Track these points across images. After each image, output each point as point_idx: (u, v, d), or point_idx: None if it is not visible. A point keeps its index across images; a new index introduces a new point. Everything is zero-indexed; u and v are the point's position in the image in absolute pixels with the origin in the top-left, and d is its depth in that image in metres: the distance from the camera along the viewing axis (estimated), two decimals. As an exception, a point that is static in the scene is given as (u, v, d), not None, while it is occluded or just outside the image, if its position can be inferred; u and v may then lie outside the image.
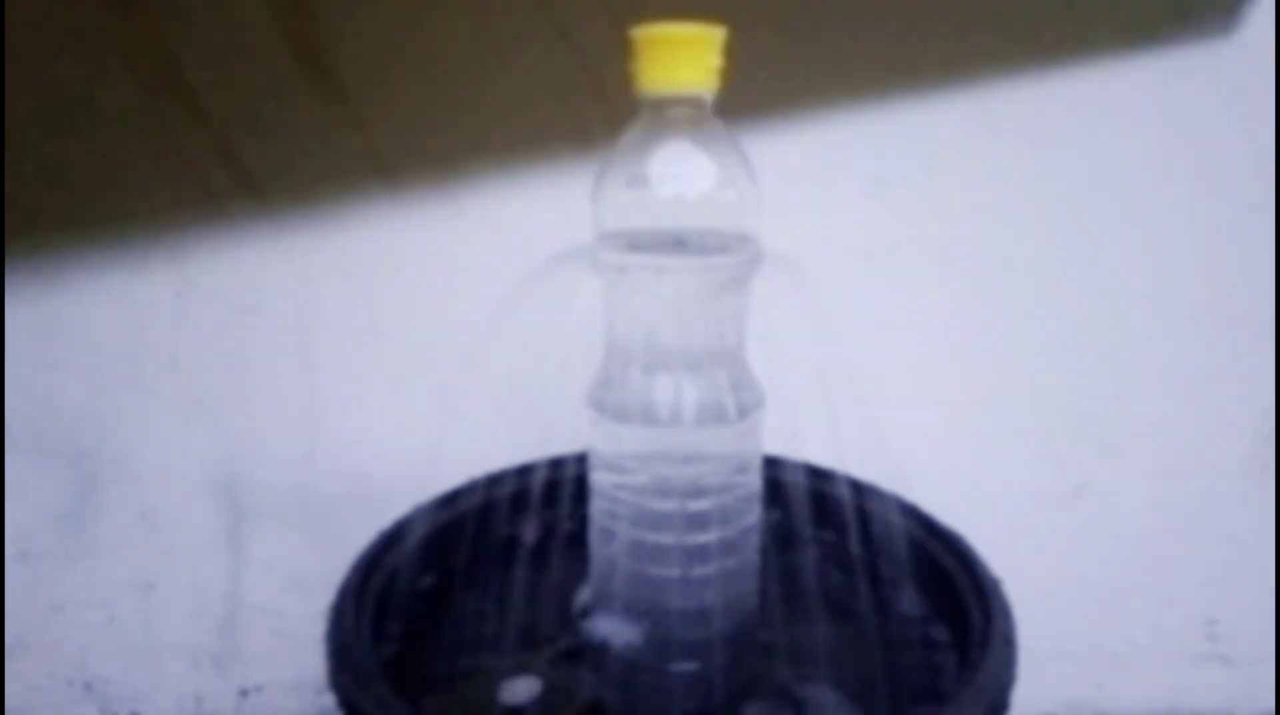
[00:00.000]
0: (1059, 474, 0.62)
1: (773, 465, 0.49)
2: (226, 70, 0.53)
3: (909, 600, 0.44)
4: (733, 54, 0.33)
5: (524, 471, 0.49)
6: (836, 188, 0.56)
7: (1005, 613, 0.38)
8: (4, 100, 0.52)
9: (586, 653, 0.40)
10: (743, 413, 0.36)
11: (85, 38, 0.52)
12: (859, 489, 0.47)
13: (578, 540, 0.43)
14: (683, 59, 0.33)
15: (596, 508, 0.39)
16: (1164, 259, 0.58)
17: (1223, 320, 0.58)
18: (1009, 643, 0.36)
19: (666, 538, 0.37)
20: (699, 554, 0.37)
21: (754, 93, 0.45)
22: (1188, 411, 0.61)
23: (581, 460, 0.41)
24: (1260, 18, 0.54)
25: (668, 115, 0.34)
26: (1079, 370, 0.60)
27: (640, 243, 0.35)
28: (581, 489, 0.41)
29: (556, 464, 0.49)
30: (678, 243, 0.34)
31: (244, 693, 0.66)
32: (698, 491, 0.36)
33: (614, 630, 0.38)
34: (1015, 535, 0.62)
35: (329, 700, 0.34)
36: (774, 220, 0.34)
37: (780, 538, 0.49)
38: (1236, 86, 0.55)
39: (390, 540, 0.43)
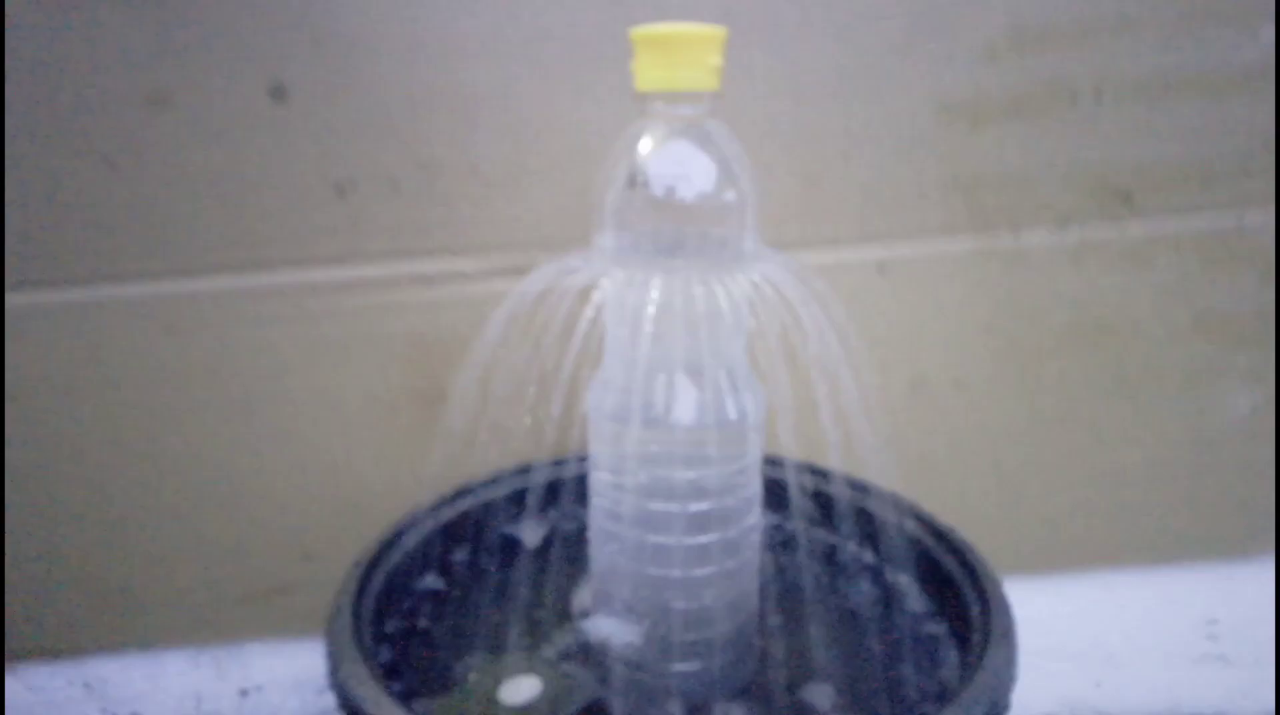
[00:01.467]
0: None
1: (773, 465, 0.49)
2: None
3: (909, 599, 0.44)
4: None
5: (524, 471, 0.49)
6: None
7: (1005, 611, 0.38)
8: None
9: (586, 653, 0.40)
10: (743, 413, 0.36)
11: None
12: (859, 488, 0.47)
13: (578, 540, 0.43)
14: (683, 59, 0.33)
15: (597, 508, 0.39)
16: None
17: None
18: (1009, 642, 0.36)
19: (667, 538, 0.37)
20: (699, 554, 0.37)
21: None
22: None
23: (582, 460, 0.41)
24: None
25: (668, 115, 0.34)
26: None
27: (640, 243, 0.35)
28: (582, 489, 0.41)
29: (557, 464, 0.49)
30: (677, 243, 0.34)
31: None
32: (698, 492, 0.36)
33: (614, 630, 0.38)
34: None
35: (329, 700, 0.34)
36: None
37: (780, 538, 0.49)
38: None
39: (390, 540, 0.43)
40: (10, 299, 0.50)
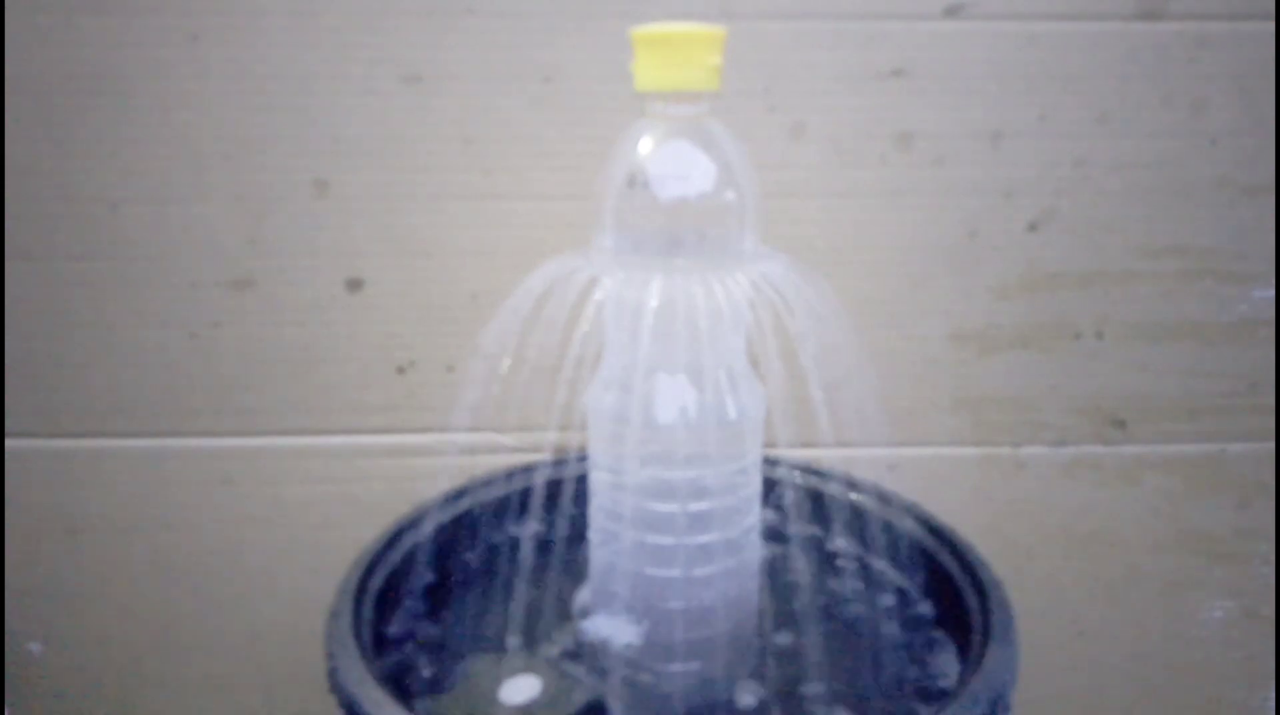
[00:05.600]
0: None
1: (773, 465, 0.49)
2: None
3: (909, 600, 0.44)
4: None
5: (524, 471, 0.49)
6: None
7: (1005, 611, 0.38)
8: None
9: (586, 653, 0.40)
10: (742, 412, 0.36)
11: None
12: (858, 488, 0.47)
13: (578, 540, 0.43)
14: (682, 59, 0.33)
15: (596, 508, 0.39)
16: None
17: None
18: (1009, 642, 0.36)
19: (667, 538, 0.37)
20: (700, 554, 0.37)
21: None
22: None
23: (582, 460, 0.41)
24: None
25: (668, 115, 0.34)
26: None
27: (640, 243, 0.35)
28: (582, 488, 0.41)
29: (557, 463, 0.49)
30: (677, 242, 0.34)
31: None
32: (698, 492, 0.36)
33: (614, 630, 0.38)
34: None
35: (329, 700, 0.34)
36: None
37: (780, 538, 0.49)
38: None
39: (391, 540, 0.43)
40: (84, 443, 0.57)
